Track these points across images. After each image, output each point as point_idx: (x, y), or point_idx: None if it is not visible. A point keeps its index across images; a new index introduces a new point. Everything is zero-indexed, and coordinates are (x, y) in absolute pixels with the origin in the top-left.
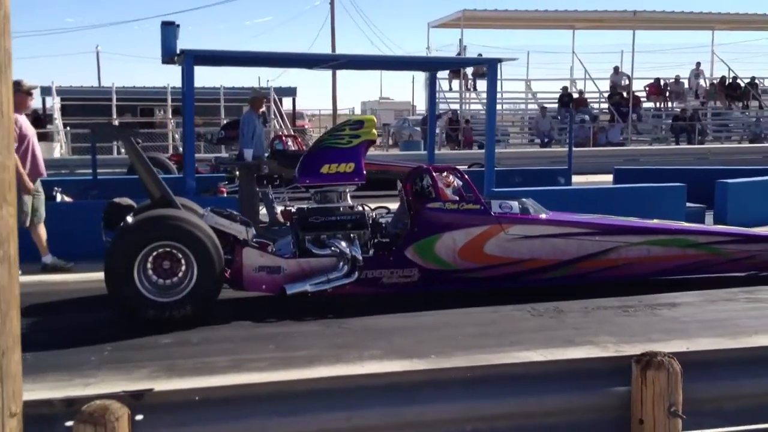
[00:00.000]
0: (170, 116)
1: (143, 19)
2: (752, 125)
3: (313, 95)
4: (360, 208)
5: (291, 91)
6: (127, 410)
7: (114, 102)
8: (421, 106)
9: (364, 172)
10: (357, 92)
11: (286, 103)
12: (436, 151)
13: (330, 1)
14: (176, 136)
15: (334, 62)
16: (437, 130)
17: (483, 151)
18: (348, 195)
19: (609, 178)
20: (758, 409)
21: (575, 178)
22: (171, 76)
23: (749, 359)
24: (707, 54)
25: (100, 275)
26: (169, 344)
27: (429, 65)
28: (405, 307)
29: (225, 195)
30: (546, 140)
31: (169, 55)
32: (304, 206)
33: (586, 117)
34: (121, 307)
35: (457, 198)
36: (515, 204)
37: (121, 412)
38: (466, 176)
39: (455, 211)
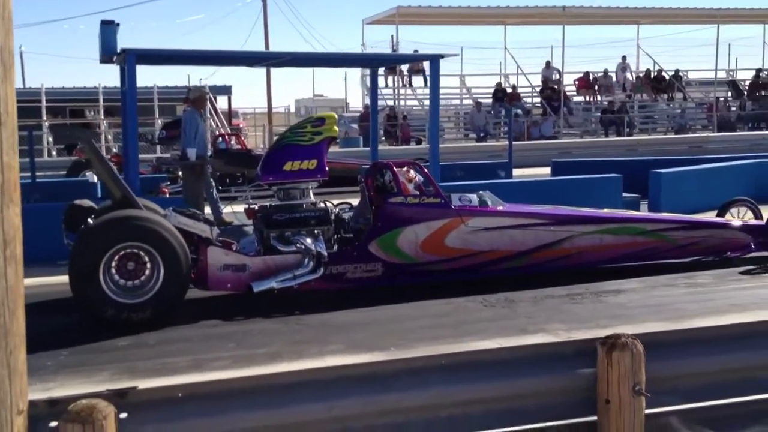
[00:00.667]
0: (102, 117)
1: (70, 18)
2: (677, 116)
3: (247, 94)
4: (323, 205)
5: (226, 90)
6: (113, 408)
7: (44, 104)
8: (354, 102)
9: (327, 168)
10: (291, 90)
11: (221, 102)
12: None
13: None
14: (109, 137)
15: (277, 59)
16: None
17: (421, 146)
18: (311, 192)
19: (546, 170)
20: (711, 386)
21: (514, 171)
22: (99, 77)
23: (699, 339)
24: (633, 48)
25: (52, 279)
26: (126, 346)
27: (370, 62)
28: (361, 302)
29: (167, 196)
30: (482, 135)
31: (108, 55)
32: (267, 204)
33: (520, 111)
34: (86, 309)
35: (418, 192)
36: (474, 197)
37: (108, 411)
38: (426, 171)
39: (417, 205)
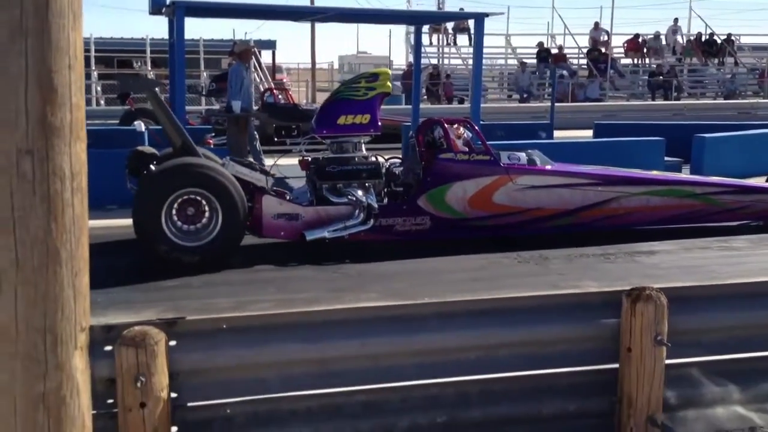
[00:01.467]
0: (149, 68)
1: None
2: (727, 82)
3: (291, 49)
4: (374, 158)
5: (270, 44)
6: (164, 335)
7: (93, 53)
8: (398, 60)
9: (380, 123)
10: (334, 46)
11: (266, 57)
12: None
13: None
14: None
15: (323, 14)
16: None
17: (463, 106)
18: (363, 145)
19: (589, 133)
20: (730, 340)
21: (556, 133)
22: (147, 28)
23: (725, 295)
24: (685, 10)
25: (102, 222)
26: (172, 287)
27: (416, 19)
28: (399, 254)
29: (212, 146)
30: (525, 95)
31: (158, 6)
32: (320, 156)
33: (565, 73)
34: (148, 250)
35: (467, 149)
36: (523, 155)
37: (159, 337)
38: (477, 128)
39: (466, 162)
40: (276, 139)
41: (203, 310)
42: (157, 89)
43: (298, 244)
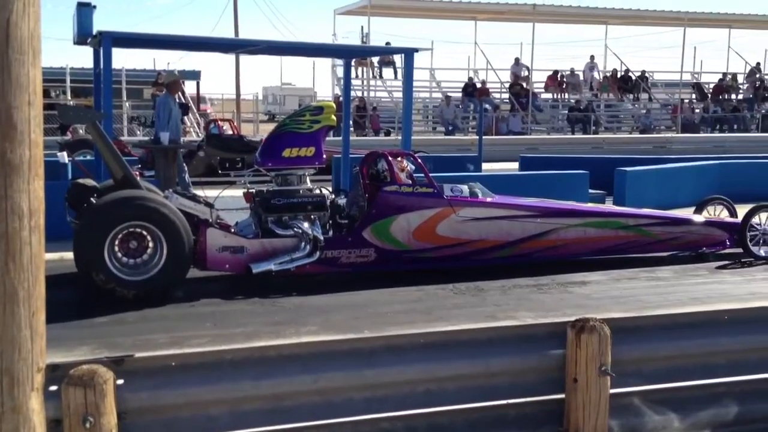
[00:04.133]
0: (69, 98)
1: None
2: (642, 117)
3: (214, 80)
4: (319, 191)
5: (195, 75)
6: (112, 374)
7: None
8: (322, 92)
9: (324, 156)
10: (258, 77)
11: (190, 87)
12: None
13: None
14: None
15: (253, 47)
16: None
17: (390, 137)
18: (307, 178)
19: (514, 165)
20: (671, 369)
21: (483, 166)
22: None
23: (664, 325)
24: (601, 47)
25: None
26: (106, 323)
27: (346, 53)
28: (333, 287)
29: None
30: (450, 128)
31: (84, 36)
32: (265, 189)
33: (488, 107)
34: (90, 284)
35: (410, 182)
36: (465, 188)
37: (108, 376)
38: (420, 161)
39: (410, 194)
40: (220, 171)
41: (139, 346)
42: (97, 121)
43: (232, 277)
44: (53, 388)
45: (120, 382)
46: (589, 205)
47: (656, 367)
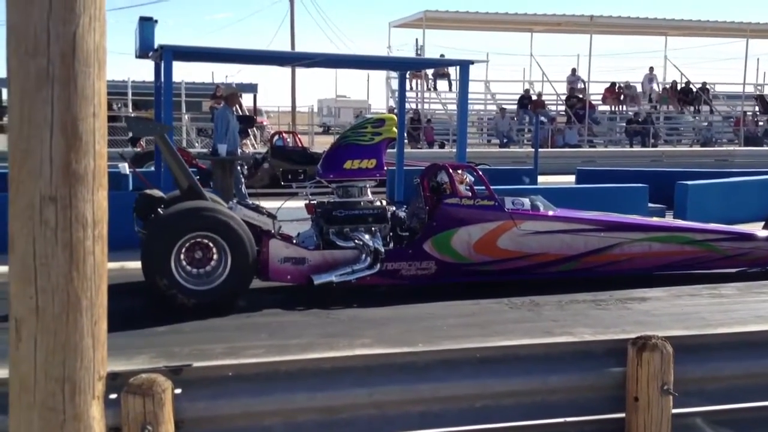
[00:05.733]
0: (131, 110)
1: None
2: (703, 129)
3: (270, 92)
4: (380, 203)
5: (252, 88)
6: (170, 383)
7: None
8: (376, 104)
9: (385, 168)
10: (313, 90)
11: (247, 100)
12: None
13: None
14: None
15: (310, 60)
16: None
17: (444, 150)
18: (368, 189)
19: (570, 178)
20: (735, 390)
21: (539, 178)
22: (126, 71)
23: (728, 344)
24: (660, 59)
25: None
26: (164, 332)
27: (401, 65)
28: (387, 299)
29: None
30: (505, 140)
31: (145, 50)
32: (326, 200)
33: (544, 119)
34: (151, 295)
35: (471, 194)
36: (526, 201)
37: (166, 385)
38: (481, 173)
39: (471, 207)
40: (283, 182)
41: (196, 356)
42: (165, 133)
43: (287, 288)
44: (113, 396)
45: (178, 391)
46: (654, 219)
47: (720, 387)
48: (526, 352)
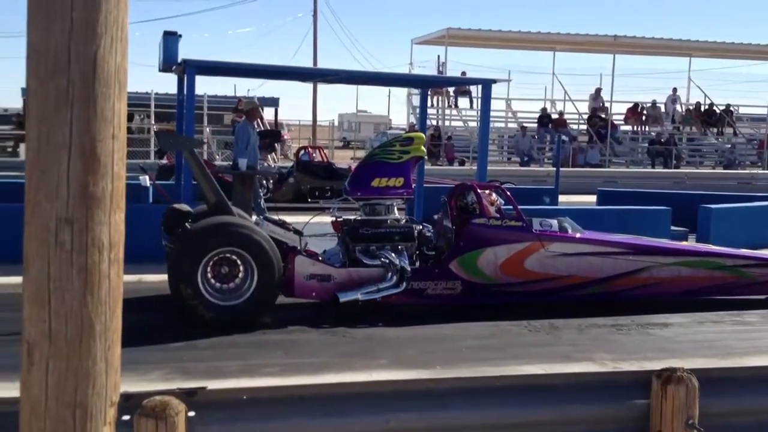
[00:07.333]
0: (153, 122)
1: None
2: (726, 151)
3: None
4: (406, 221)
5: (274, 102)
6: (184, 406)
7: None
8: (397, 120)
9: (413, 186)
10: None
11: (268, 114)
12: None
13: (313, 13)
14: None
15: (333, 76)
16: None
17: (464, 167)
18: (395, 208)
19: (591, 198)
20: (764, 424)
21: (559, 198)
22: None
23: (757, 377)
24: (684, 80)
25: None
26: (179, 348)
27: (423, 83)
28: (403, 319)
29: None
30: (526, 159)
31: (169, 64)
32: (353, 218)
33: (566, 138)
34: (183, 308)
35: (499, 215)
36: (554, 222)
37: (180, 408)
38: (509, 193)
39: (499, 227)
40: (310, 199)
41: (211, 373)
42: (195, 148)
43: (305, 305)
44: (126, 417)
45: (191, 414)
46: (684, 243)
47: (747, 422)
48: (547, 381)
